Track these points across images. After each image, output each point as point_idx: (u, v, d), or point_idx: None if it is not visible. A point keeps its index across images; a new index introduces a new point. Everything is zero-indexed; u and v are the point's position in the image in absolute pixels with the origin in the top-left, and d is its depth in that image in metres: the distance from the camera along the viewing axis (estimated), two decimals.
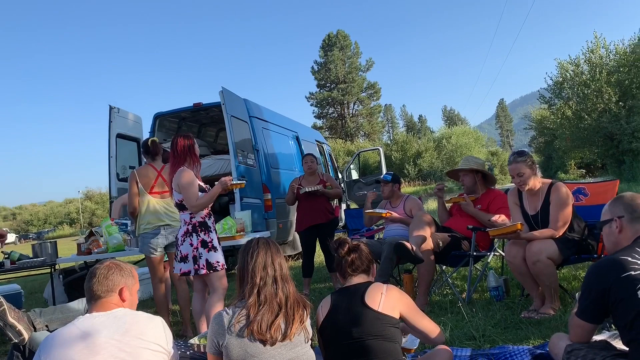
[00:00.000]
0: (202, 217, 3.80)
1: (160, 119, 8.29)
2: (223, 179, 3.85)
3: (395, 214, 5.15)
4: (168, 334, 2.13)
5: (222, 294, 3.77)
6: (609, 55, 26.59)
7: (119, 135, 7.43)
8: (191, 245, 3.76)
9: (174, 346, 2.20)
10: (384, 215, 5.12)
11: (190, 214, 3.77)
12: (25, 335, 3.11)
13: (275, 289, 2.26)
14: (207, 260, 3.73)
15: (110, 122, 7.25)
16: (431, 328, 2.49)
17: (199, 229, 3.78)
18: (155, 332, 2.07)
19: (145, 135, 8.06)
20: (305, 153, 7.63)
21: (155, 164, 4.61)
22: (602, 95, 25.62)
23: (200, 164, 3.99)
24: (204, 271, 3.71)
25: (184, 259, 3.80)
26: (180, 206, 3.82)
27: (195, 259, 3.74)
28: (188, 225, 3.79)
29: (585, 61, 27.22)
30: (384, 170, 12.14)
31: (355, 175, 14.45)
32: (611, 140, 26.32)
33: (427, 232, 4.43)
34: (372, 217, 5.16)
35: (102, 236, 5.33)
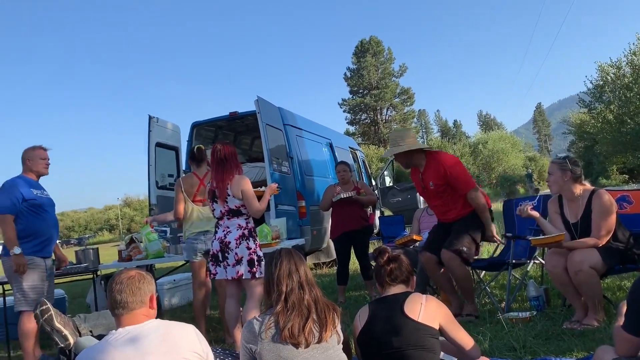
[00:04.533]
0: (252, 224, 3.94)
1: (197, 128, 8.47)
2: (272, 185, 4.07)
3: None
4: (202, 340, 2.14)
5: (259, 300, 3.80)
6: None
7: (158, 144, 7.60)
8: (248, 248, 3.81)
9: (211, 352, 2.21)
10: (415, 238, 5.16)
11: (246, 219, 3.88)
12: (71, 340, 3.21)
13: (302, 294, 2.31)
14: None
15: (149, 131, 7.42)
16: (467, 341, 2.46)
17: (254, 234, 3.91)
18: (189, 340, 2.08)
19: (184, 144, 8.26)
20: (338, 160, 7.64)
21: (199, 172, 4.77)
22: None
23: (242, 170, 4.09)
24: (262, 274, 3.76)
25: (238, 262, 3.80)
26: (236, 212, 3.85)
27: (252, 263, 3.79)
28: (244, 229, 3.85)
29: (627, 63, 26.38)
30: None
31: (389, 181, 14.35)
32: None
33: None
34: (406, 244, 5.17)
35: (142, 242, 5.43)
